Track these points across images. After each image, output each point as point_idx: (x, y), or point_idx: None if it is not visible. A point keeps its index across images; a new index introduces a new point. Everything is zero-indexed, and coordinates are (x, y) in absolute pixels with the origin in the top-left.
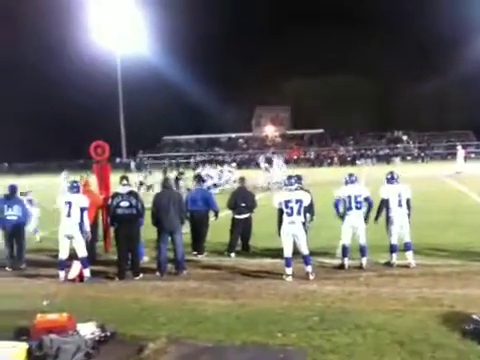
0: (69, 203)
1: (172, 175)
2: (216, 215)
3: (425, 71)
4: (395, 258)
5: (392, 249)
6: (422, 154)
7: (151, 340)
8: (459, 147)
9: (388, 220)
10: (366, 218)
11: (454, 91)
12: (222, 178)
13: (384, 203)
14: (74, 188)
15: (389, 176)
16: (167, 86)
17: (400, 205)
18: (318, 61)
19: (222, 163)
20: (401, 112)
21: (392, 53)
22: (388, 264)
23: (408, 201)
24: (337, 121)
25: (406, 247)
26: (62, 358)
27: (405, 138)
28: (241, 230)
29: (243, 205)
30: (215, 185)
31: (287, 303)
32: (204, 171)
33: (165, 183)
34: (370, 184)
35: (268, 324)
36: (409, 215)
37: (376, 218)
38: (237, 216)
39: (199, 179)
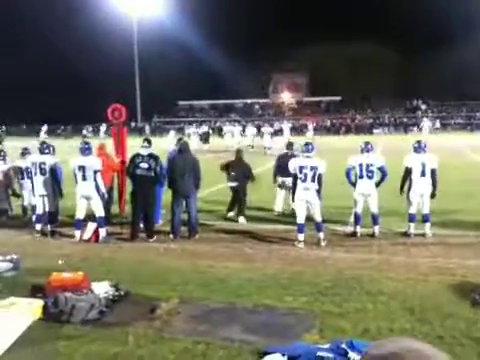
0: (83, 167)
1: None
2: None
3: (447, 40)
4: (413, 228)
5: (410, 218)
6: (440, 124)
7: (164, 300)
8: None
9: (409, 189)
10: (377, 185)
11: (476, 60)
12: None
13: (408, 172)
14: (86, 150)
15: (416, 145)
16: (183, 50)
17: (423, 175)
18: (336, 27)
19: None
20: (421, 81)
21: (413, 19)
22: (405, 234)
23: (433, 172)
24: (355, 88)
25: (424, 218)
26: (76, 315)
27: (424, 107)
28: (232, 197)
29: (233, 174)
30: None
31: (298, 268)
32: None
33: (182, 147)
34: (386, 153)
35: (279, 288)
36: (434, 186)
37: (401, 188)
38: (227, 183)
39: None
